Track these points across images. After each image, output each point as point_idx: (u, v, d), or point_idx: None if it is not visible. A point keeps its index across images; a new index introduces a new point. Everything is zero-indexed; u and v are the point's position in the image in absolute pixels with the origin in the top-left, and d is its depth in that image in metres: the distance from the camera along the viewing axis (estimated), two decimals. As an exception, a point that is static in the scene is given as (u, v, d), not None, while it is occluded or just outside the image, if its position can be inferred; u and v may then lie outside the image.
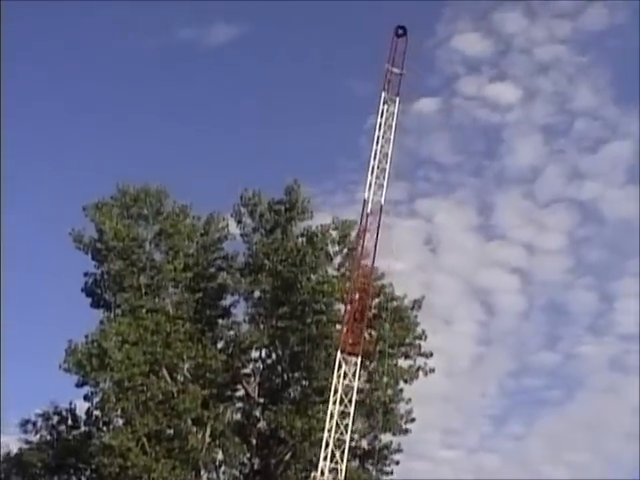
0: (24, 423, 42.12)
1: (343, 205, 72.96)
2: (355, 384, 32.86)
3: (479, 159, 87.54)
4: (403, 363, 39.71)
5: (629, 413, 62.39)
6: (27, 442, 41.89)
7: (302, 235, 40.53)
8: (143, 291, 39.63)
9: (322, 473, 31.95)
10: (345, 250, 40.62)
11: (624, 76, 77.29)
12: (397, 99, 34.83)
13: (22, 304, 65.59)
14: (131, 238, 39.56)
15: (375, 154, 34.30)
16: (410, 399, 40.01)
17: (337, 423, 32.28)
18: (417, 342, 39.93)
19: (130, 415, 37.20)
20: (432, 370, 39.86)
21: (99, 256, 39.90)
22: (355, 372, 32.89)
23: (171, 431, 38.16)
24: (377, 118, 34.73)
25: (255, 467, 40.20)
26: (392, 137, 34.54)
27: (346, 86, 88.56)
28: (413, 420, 40.03)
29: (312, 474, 32.69)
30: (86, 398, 39.45)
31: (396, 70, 34.78)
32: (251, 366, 41.15)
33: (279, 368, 41.00)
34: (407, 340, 39.68)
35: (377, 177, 34.16)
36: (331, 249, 40.51)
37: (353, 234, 38.69)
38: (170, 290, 40.62)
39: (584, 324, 79.02)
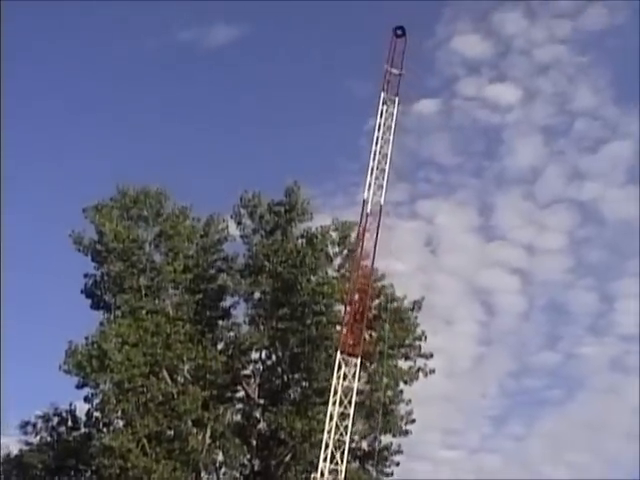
0: (24, 424, 42.17)
1: (343, 207, 73.10)
2: (355, 385, 32.78)
3: (479, 160, 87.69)
4: (403, 364, 39.73)
5: (629, 413, 62.36)
6: (27, 443, 41.92)
7: (302, 236, 40.54)
8: (143, 292, 39.64)
9: (322, 474, 31.90)
10: (345, 251, 40.61)
11: (624, 76, 77.39)
12: (396, 100, 34.73)
13: (22, 305, 65.69)
14: (131, 240, 39.58)
15: (374, 155, 34.23)
16: (410, 400, 40.02)
17: (337, 424, 32.21)
18: (417, 343, 39.92)
19: (130, 416, 37.22)
20: (432, 371, 39.86)
21: (99, 257, 39.91)
22: (355, 373, 32.82)
23: (171, 432, 38.17)
24: (376, 119, 34.70)
25: (255, 468, 40.22)
26: (391, 138, 34.46)
27: (346, 86, 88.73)
28: (413, 421, 40.01)
29: (312, 475, 32.60)
30: (86, 399, 39.45)
31: (395, 71, 34.71)
32: (251, 367, 41.18)
33: (279, 369, 41.00)
34: (407, 341, 39.67)
35: (377, 178, 34.08)
36: (331, 250, 40.52)
37: (353, 235, 38.63)
38: (170, 291, 40.63)
39: (584, 324, 79.24)
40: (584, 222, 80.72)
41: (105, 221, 39.26)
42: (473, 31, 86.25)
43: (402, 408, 39.87)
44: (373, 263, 34.23)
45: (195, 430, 38.13)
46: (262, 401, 40.26)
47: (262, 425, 39.99)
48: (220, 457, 39.45)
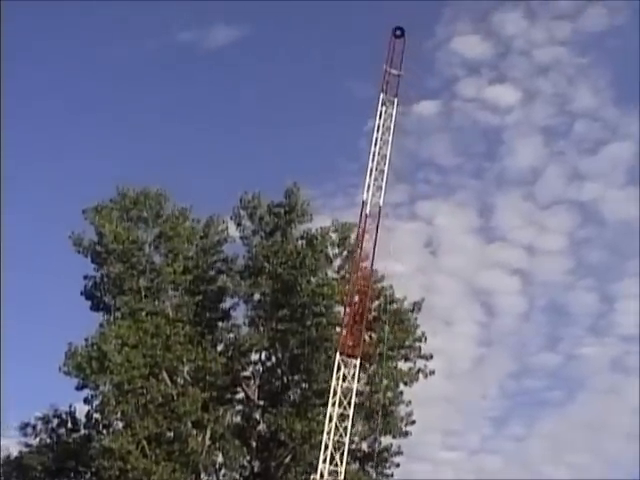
0: (24, 426, 42.13)
1: (343, 208, 72.56)
2: (354, 386, 32.75)
3: (479, 161, 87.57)
4: (403, 365, 39.70)
5: (630, 414, 62.25)
6: (27, 445, 41.89)
7: (302, 238, 40.54)
8: (143, 294, 39.64)
9: (322, 475, 31.88)
10: (345, 252, 40.59)
11: (624, 77, 77.33)
12: (395, 100, 34.65)
13: (22, 306, 65.67)
14: (131, 241, 39.59)
15: (373, 156, 34.16)
16: (410, 401, 39.95)
17: (336, 425, 32.19)
18: (417, 344, 39.88)
19: (130, 418, 37.19)
20: (432, 372, 39.82)
21: (99, 259, 39.91)
22: (354, 374, 32.80)
23: (171, 434, 38.14)
24: (375, 120, 34.64)
25: (255, 470, 40.21)
26: (390, 139, 34.35)
27: (346, 87, 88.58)
28: (413, 422, 39.94)
29: (312, 477, 32.57)
30: (86, 401, 39.47)
31: (394, 71, 34.61)
32: (251, 369, 41.17)
33: (279, 371, 40.98)
34: (407, 342, 39.64)
35: (376, 179, 34.00)
36: (331, 251, 40.50)
37: (353, 236, 38.55)
38: (170, 293, 40.63)
39: (585, 325, 79.20)
40: (584, 223, 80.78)
41: (105, 222, 39.27)
42: (473, 32, 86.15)
43: (402, 409, 39.85)
44: (373, 264, 34.24)
45: (195, 432, 38.13)
46: (262, 402, 40.24)
47: (262, 426, 39.98)
48: (220, 458, 39.45)
